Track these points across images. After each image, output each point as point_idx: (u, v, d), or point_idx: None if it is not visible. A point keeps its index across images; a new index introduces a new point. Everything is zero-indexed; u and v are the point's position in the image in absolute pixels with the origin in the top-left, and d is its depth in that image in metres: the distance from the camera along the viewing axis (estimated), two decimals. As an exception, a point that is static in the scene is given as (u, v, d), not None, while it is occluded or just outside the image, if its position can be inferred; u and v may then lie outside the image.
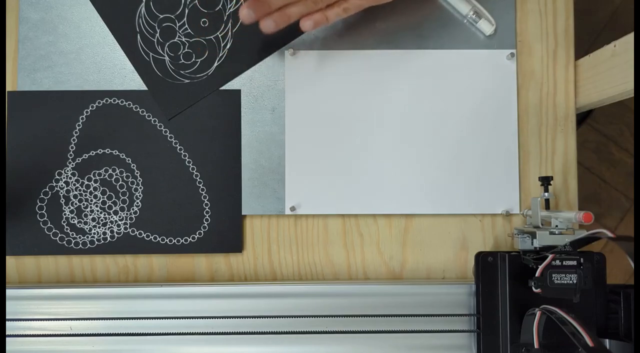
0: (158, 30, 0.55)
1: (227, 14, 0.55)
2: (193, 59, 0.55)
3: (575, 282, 0.43)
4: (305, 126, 0.55)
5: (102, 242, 0.55)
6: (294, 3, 0.50)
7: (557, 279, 0.43)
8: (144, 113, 0.55)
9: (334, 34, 0.56)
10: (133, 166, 0.55)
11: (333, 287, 0.51)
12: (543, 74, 0.56)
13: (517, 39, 0.56)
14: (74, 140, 0.55)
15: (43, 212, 0.55)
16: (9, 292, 0.49)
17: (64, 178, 0.55)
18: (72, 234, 0.55)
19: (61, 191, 0.55)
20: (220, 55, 0.55)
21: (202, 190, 0.55)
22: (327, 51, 0.56)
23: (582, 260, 0.44)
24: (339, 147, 0.55)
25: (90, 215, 0.55)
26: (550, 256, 0.43)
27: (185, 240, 0.55)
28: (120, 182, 0.55)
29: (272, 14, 0.50)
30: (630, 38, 0.46)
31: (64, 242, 0.54)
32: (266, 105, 0.55)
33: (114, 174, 0.55)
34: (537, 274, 0.43)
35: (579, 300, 0.43)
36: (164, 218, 0.55)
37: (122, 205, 0.55)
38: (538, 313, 0.44)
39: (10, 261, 0.55)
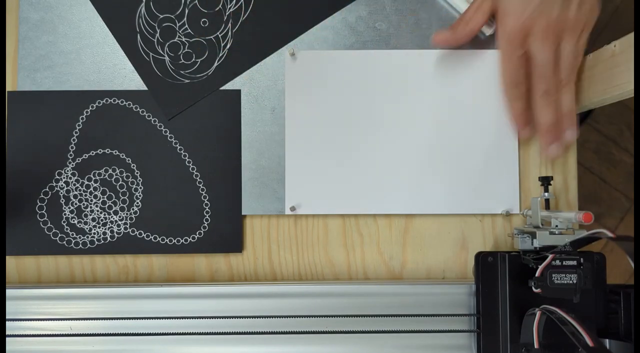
0: (158, 30, 0.55)
1: (227, 14, 0.55)
2: (193, 59, 0.55)
3: (575, 282, 0.43)
4: (305, 126, 0.55)
5: (102, 242, 0.55)
6: (556, 117, 0.52)
7: (557, 279, 0.43)
8: (144, 113, 0.55)
9: (334, 34, 0.56)
10: (133, 166, 0.55)
11: (333, 287, 0.51)
12: (543, 74, 0.56)
13: (517, 39, 0.56)
14: (74, 140, 0.55)
15: (43, 212, 0.55)
16: (9, 292, 0.49)
17: (64, 178, 0.55)
18: (72, 234, 0.55)
19: (61, 191, 0.55)
20: (220, 55, 0.55)
21: (202, 190, 0.55)
22: (327, 51, 0.56)
23: (582, 260, 0.43)
24: (339, 147, 0.55)
25: (90, 215, 0.55)
26: (550, 256, 0.43)
27: (185, 240, 0.55)
28: (120, 182, 0.55)
29: (557, 138, 0.53)
30: (630, 38, 0.46)
31: (64, 242, 0.54)
32: (266, 105, 0.55)
33: (114, 174, 0.55)
34: (537, 274, 0.43)
35: (579, 300, 0.43)
36: (164, 218, 0.55)
37: (122, 205, 0.55)
38: (538, 313, 0.44)
39: (10, 261, 0.55)
